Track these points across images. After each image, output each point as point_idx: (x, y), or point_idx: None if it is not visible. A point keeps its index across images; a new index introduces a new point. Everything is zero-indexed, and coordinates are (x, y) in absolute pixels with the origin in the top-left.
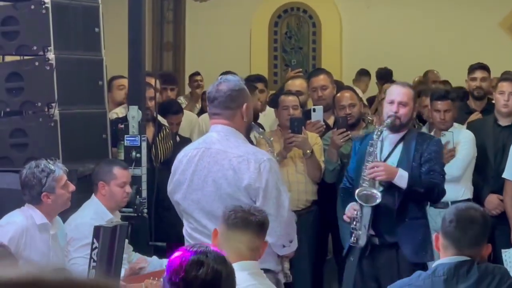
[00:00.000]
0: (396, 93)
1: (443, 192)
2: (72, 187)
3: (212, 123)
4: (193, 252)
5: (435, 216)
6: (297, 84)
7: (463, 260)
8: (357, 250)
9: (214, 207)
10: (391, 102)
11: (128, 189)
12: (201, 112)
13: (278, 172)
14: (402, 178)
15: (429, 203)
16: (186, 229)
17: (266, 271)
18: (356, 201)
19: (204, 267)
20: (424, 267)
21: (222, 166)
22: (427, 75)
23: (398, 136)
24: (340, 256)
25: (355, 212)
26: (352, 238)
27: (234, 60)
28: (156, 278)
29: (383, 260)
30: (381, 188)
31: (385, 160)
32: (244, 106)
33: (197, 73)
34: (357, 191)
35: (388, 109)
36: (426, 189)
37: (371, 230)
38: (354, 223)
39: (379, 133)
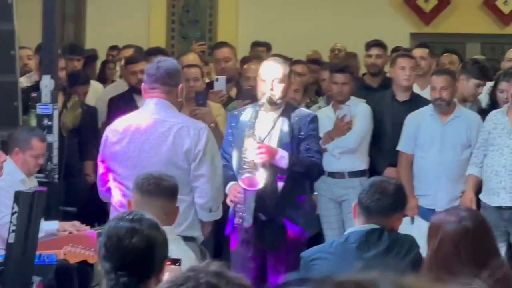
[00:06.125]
0: (270, 71)
1: (322, 171)
2: (3, 156)
3: (149, 96)
4: (127, 219)
5: (332, 186)
6: (191, 58)
7: (374, 228)
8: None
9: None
10: (265, 80)
11: (41, 160)
12: (99, 81)
13: (214, 140)
14: (282, 159)
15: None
16: (117, 197)
17: (191, 239)
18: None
19: (138, 234)
20: (318, 238)
21: (161, 133)
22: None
23: (276, 113)
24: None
25: (239, 195)
26: (237, 220)
27: (133, 32)
28: (78, 246)
29: (270, 237)
30: (263, 170)
31: (264, 138)
32: (180, 86)
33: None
34: (240, 175)
35: (262, 88)
36: (306, 169)
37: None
38: (239, 206)
39: (255, 114)
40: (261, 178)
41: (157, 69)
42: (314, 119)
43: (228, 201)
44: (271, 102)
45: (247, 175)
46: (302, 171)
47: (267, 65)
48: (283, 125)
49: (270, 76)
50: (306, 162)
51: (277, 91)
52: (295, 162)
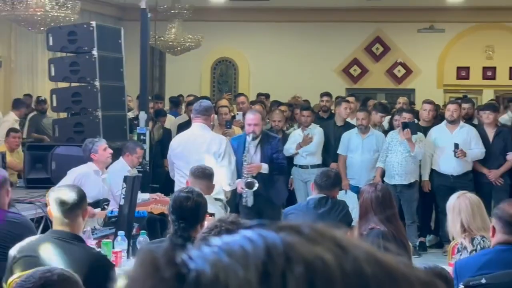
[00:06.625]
0: (251, 118)
1: (287, 170)
2: (110, 151)
3: (194, 122)
4: (185, 191)
5: (302, 172)
6: (223, 102)
7: (322, 196)
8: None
9: (195, 165)
10: (249, 124)
11: (140, 159)
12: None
13: (230, 145)
14: (265, 169)
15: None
16: (178, 178)
17: (219, 200)
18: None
19: (190, 200)
20: (293, 202)
21: (201, 142)
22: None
23: (257, 141)
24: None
25: (243, 190)
26: (244, 201)
27: (192, 87)
28: (159, 204)
29: (262, 207)
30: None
31: (252, 156)
32: (212, 116)
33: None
34: (244, 180)
35: (248, 129)
36: (279, 171)
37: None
38: (245, 195)
39: (248, 144)
40: (255, 182)
41: (199, 106)
42: (280, 140)
43: (237, 190)
44: (254, 136)
45: (248, 180)
46: (277, 172)
47: (250, 115)
48: (263, 147)
49: (253, 121)
50: (278, 166)
51: (257, 130)
52: (272, 169)
